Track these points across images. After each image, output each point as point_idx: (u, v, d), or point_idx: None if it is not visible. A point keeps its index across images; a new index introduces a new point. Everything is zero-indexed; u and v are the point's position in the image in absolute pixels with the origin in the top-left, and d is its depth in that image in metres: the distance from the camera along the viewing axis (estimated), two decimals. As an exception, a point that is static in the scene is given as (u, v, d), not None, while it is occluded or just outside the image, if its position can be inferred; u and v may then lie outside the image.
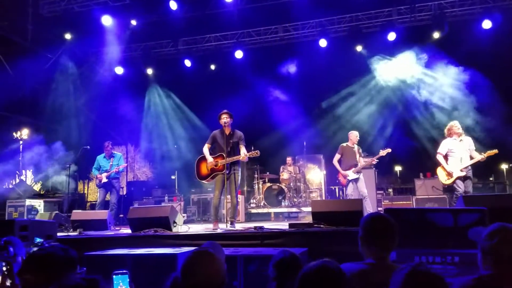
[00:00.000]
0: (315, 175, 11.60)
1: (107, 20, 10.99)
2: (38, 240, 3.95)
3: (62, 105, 12.20)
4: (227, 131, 6.48)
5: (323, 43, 11.33)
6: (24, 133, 11.97)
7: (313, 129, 12.70)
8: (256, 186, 10.74)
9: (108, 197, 8.39)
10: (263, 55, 12.37)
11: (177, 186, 11.69)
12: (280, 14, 11.40)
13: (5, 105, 11.04)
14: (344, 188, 8.35)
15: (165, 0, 10.69)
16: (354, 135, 8.18)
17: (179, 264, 3.94)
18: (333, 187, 11.45)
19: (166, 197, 10.35)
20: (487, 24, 10.24)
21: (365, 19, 11.35)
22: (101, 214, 7.02)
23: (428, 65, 11.43)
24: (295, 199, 10.32)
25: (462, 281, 1.97)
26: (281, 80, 12.75)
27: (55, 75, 12.08)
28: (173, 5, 10.72)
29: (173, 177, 12.46)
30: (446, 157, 6.90)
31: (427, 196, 9.42)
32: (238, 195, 6.71)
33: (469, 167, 6.75)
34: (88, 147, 9.53)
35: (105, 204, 8.31)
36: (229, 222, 6.23)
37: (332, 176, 10.65)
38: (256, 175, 10.84)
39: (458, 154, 6.76)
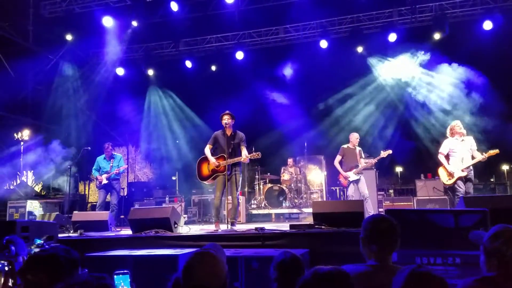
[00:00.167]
0: (316, 176, 11.60)
1: (108, 21, 11.00)
2: (38, 241, 3.95)
3: (63, 106, 12.23)
4: (229, 132, 6.48)
5: (323, 44, 11.33)
6: (25, 134, 11.97)
7: (314, 130, 12.71)
8: (257, 187, 10.74)
9: (108, 198, 8.39)
10: (264, 56, 12.39)
11: (178, 187, 11.69)
12: (281, 15, 11.41)
13: (6, 106, 11.06)
14: (345, 189, 8.35)
15: (166, 1, 10.71)
16: (354, 137, 8.18)
17: (180, 265, 3.94)
18: (334, 188, 11.45)
19: (167, 198, 10.35)
20: (488, 25, 10.22)
21: (366, 20, 11.35)
22: (102, 215, 7.02)
23: (429, 66, 11.44)
24: (296, 200, 10.32)
25: (464, 282, 1.96)
26: (281, 81, 12.77)
27: (56, 76, 12.11)
28: (174, 6, 10.73)
29: (173, 178, 12.47)
30: (447, 157, 6.90)
31: (428, 197, 9.42)
32: (239, 196, 6.71)
33: (471, 168, 6.74)
34: (89, 148, 9.53)
35: (105, 205, 8.31)
36: (230, 223, 6.24)
37: (333, 177, 10.64)
38: (257, 176, 10.84)
39: (459, 154, 6.75)
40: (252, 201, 10.69)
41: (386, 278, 1.91)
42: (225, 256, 2.90)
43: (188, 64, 12.41)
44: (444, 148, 6.93)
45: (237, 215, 6.65)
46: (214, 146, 6.63)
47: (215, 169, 6.43)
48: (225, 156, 6.32)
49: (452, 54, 10.89)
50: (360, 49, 11.60)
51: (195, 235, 5.48)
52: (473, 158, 6.69)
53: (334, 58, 11.53)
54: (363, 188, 7.87)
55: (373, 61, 12.00)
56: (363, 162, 7.99)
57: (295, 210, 10.06)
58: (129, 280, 2.53)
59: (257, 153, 6.40)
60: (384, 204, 9.55)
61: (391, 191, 11.95)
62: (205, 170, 6.58)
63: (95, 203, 9.66)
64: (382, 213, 6.54)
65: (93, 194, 13.75)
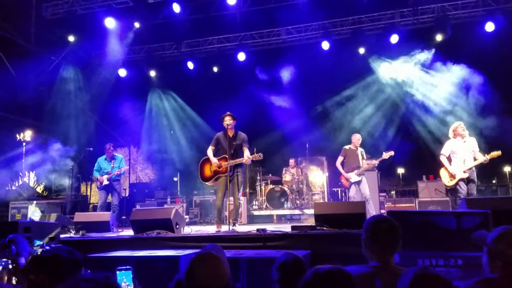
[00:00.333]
0: (318, 177, 11.60)
1: (110, 23, 11.02)
2: (38, 242, 3.95)
3: (65, 107, 12.24)
4: (230, 133, 6.49)
5: (325, 45, 11.33)
6: (27, 135, 11.98)
7: (315, 131, 12.69)
8: (259, 188, 10.74)
9: (109, 199, 8.40)
10: (266, 57, 12.40)
11: (180, 188, 11.69)
12: (282, 16, 11.41)
13: (8, 107, 11.08)
14: (346, 190, 8.34)
15: (168, 3, 10.73)
16: (356, 138, 8.17)
17: (182, 266, 3.95)
18: (335, 189, 11.43)
19: (168, 199, 10.35)
20: (490, 26, 10.20)
21: (368, 21, 11.35)
22: (104, 216, 7.03)
23: (430, 67, 11.43)
24: (298, 201, 10.31)
25: (466, 284, 1.96)
26: (283, 82, 12.76)
27: (58, 77, 12.13)
28: (176, 8, 10.75)
29: (175, 179, 12.47)
30: (449, 158, 6.88)
31: (430, 199, 9.41)
32: (241, 197, 6.71)
33: (473, 169, 6.71)
34: (91, 148, 9.55)
35: (106, 206, 8.32)
36: (232, 224, 6.24)
37: (334, 178, 10.63)
38: (258, 177, 10.83)
39: (461, 155, 6.73)
40: (254, 202, 10.68)
41: (388, 279, 1.91)
42: (225, 257, 2.90)
43: (190, 65, 12.43)
44: (445, 149, 6.91)
45: (239, 216, 6.65)
46: (216, 147, 6.63)
47: (217, 170, 6.43)
48: (227, 157, 6.33)
49: (454, 56, 10.88)
50: (361, 50, 11.58)
51: (197, 236, 5.48)
52: (475, 159, 6.67)
53: (335, 59, 11.53)
54: (364, 189, 7.85)
55: (374, 62, 11.99)
56: (365, 164, 7.98)
57: (296, 211, 10.05)
58: (131, 276, 2.53)
59: (259, 154, 6.39)
60: (386, 205, 9.54)
61: (393, 192, 11.94)
62: (207, 171, 6.58)
63: (97, 204, 9.67)
64: (384, 214, 6.53)
65: (95, 195, 13.76)
